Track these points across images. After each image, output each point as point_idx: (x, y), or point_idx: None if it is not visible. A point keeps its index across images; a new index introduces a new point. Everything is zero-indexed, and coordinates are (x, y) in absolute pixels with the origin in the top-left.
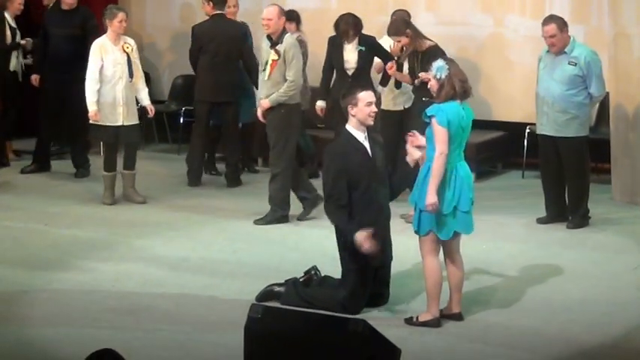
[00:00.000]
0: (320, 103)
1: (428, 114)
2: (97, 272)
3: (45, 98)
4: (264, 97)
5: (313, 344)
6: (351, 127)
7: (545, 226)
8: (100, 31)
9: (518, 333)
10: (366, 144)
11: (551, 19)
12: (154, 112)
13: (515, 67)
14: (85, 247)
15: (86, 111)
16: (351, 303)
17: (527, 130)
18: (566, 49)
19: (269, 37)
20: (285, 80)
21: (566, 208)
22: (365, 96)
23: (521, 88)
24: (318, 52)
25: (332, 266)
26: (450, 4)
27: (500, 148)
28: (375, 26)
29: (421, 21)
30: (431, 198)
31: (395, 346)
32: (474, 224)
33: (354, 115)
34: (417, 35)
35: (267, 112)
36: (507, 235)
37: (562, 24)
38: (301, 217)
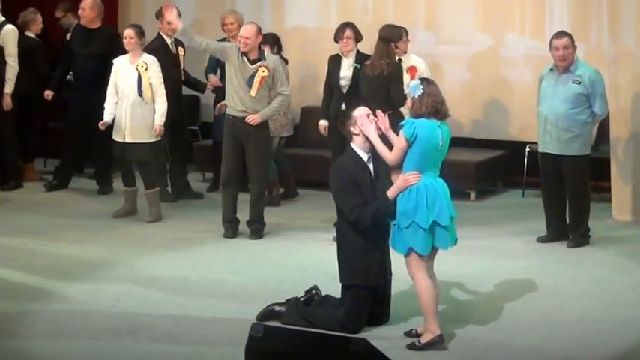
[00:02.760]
0: (323, 122)
1: (400, 125)
2: (97, 292)
3: (69, 118)
4: (251, 112)
5: None
6: (356, 147)
7: (546, 245)
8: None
9: (519, 352)
10: (370, 165)
11: (564, 33)
12: (158, 131)
13: (515, 87)
14: (86, 266)
15: (107, 130)
16: (352, 322)
17: (527, 149)
18: (570, 68)
19: (245, 54)
20: (269, 95)
21: (567, 226)
22: (361, 111)
23: (521, 107)
24: (320, 71)
25: (333, 285)
26: (450, 24)
27: (500, 167)
28: (374, 46)
29: (420, 40)
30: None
31: None
32: (473, 242)
33: (357, 134)
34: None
35: (257, 128)
36: (507, 254)
37: (572, 40)
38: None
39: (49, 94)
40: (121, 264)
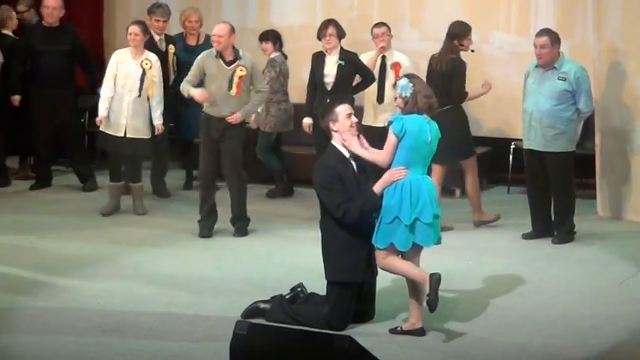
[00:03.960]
0: (307, 120)
1: (389, 120)
2: (82, 289)
3: (35, 115)
4: (227, 111)
5: None
6: (336, 143)
7: (531, 242)
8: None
9: (502, 348)
10: (352, 161)
11: (545, 32)
12: (160, 130)
13: (500, 83)
14: (71, 264)
15: (79, 125)
16: (336, 320)
17: (513, 146)
18: (555, 65)
19: (219, 54)
20: (248, 94)
21: (552, 223)
22: (342, 109)
23: (506, 104)
24: (303, 68)
25: (318, 282)
26: (435, 21)
27: (485, 164)
28: (360, 43)
29: (406, 37)
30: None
31: None
32: (458, 240)
33: (336, 131)
34: None
35: (234, 127)
36: (493, 251)
37: (554, 39)
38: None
39: (15, 99)
40: (107, 261)
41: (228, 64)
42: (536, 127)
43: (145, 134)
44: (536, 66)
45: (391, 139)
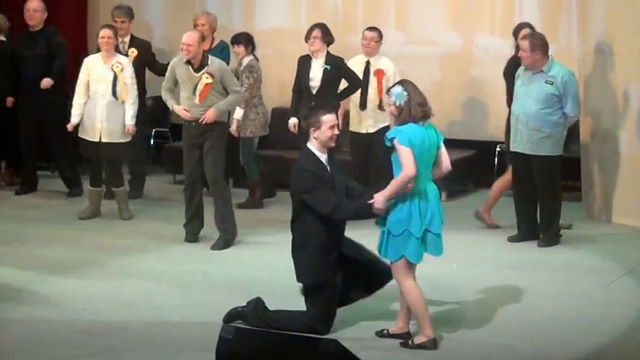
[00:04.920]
0: (292, 120)
1: (388, 137)
2: (67, 295)
3: (21, 121)
4: (197, 118)
5: None
6: (312, 147)
7: (517, 245)
8: (67, 48)
9: (490, 351)
10: (328, 165)
11: (529, 36)
12: (131, 131)
13: (485, 86)
14: (56, 269)
15: (65, 130)
16: (320, 322)
17: (498, 149)
18: (543, 68)
19: (188, 61)
20: (220, 97)
21: (538, 226)
22: (328, 119)
23: (491, 106)
24: (288, 71)
25: (299, 287)
26: (420, 23)
27: (470, 167)
28: (345, 46)
29: (391, 40)
30: (380, 204)
31: None
32: (444, 243)
33: (316, 138)
34: None
35: (211, 130)
36: (479, 254)
37: (535, 45)
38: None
39: (10, 100)
40: (92, 266)
41: (197, 70)
42: (522, 131)
43: (121, 138)
44: (525, 69)
45: (405, 151)
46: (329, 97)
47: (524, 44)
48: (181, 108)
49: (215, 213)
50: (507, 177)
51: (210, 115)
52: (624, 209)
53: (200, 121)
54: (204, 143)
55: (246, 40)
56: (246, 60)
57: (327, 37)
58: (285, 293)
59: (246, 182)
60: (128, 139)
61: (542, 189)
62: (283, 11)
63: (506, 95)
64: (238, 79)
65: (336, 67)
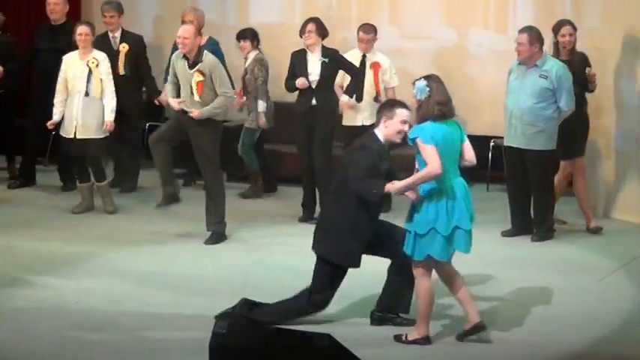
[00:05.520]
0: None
1: (410, 137)
2: (60, 289)
3: (32, 114)
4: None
5: (279, 359)
6: (380, 135)
7: (511, 239)
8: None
9: (483, 346)
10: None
11: (527, 29)
12: (109, 127)
13: (479, 81)
14: (49, 263)
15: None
16: (319, 293)
17: (492, 144)
18: (537, 62)
19: (185, 56)
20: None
21: (532, 221)
22: (402, 113)
23: (485, 101)
24: (282, 66)
25: (297, 282)
26: (414, 18)
27: None
28: (338, 41)
29: (385, 35)
30: (393, 187)
31: None
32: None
33: (386, 127)
34: None
35: (200, 125)
36: (473, 248)
37: (534, 38)
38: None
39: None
40: (85, 260)
41: (191, 66)
42: (516, 125)
43: (97, 134)
44: (519, 63)
45: (429, 149)
46: (328, 89)
47: (521, 37)
48: (176, 101)
49: (207, 209)
50: (559, 177)
51: (196, 114)
52: (619, 204)
53: (189, 114)
54: (191, 132)
55: (252, 35)
56: (253, 54)
57: (322, 31)
58: (276, 290)
59: (246, 172)
60: (104, 135)
61: (536, 183)
62: (278, 7)
63: None
64: (247, 74)
65: (333, 59)
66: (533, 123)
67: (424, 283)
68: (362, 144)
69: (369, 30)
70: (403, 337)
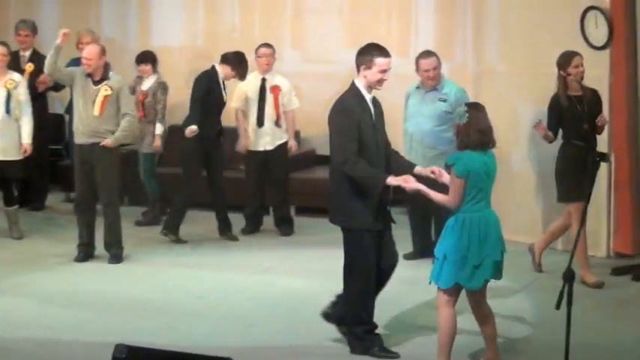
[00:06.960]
0: (193, 127)
1: (448, 162)
2: None
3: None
4: (93, 133)
5: None
6: (360, 85)
7: (412, 262)
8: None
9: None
10: (372, 107)
11: (430, 53)
12: (28, 152)
13: (382, 104)
14: None
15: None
16: (357, 266)
17: None
18: (437, 86)
19: (89, 75)
20: (116, 116)
21: (432, 243)
22: (381, 62)
23: (389, 124)
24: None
25: (197, 305)
26: (316, 42)
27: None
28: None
29: (287, 58)
30: (409, 185)
31: None
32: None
33: (365, 77)
34: None
35: (104, 150)
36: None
37: (439, 63)
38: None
39: None
40: None
41: (96, 83)
42: (416, 148)
43: (13, 156)
44: (417, 87)
45: (456, 181)
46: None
47: (434, 61)
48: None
49: (106, 233)
50: (565, 222)
51: (107, 143)
52: (516, 226)
53: (101, 144)
54: (95, 163)
55: (152, 59)
56: (153, 78)
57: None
58: (177, 310)
59: (147, 198)
60: (21, 157)
61: (437, 206)
62: (180, 30)
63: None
64: (147, 97)
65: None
66: (433, 146)
67: (446, 311)
68: (339, 102)
69: (268, 46)
70: None
